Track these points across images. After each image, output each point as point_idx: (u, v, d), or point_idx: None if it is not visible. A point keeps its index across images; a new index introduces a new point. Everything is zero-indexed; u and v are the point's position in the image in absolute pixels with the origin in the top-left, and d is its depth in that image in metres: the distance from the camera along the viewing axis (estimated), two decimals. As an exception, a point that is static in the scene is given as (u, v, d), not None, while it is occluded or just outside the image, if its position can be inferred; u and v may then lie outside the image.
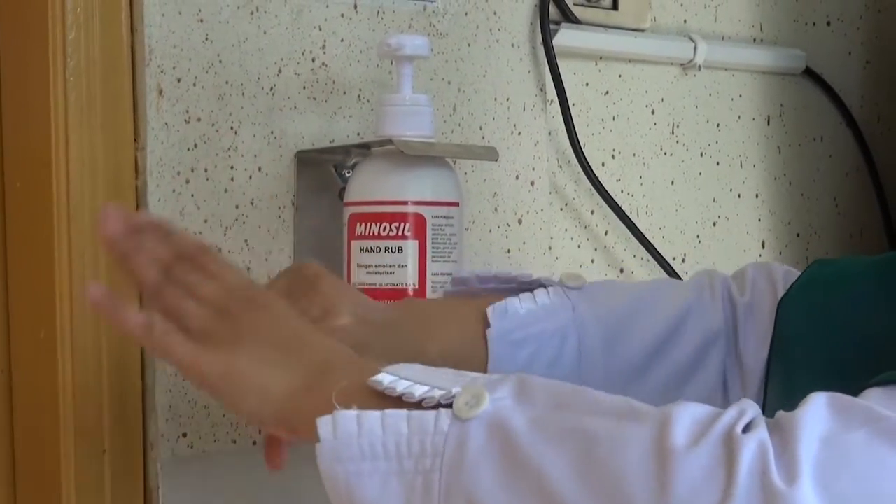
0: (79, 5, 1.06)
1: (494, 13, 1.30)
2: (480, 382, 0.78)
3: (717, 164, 1.54)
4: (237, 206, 1.12)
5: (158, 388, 1.08)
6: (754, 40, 1.58)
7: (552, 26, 1.35)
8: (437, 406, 0.77)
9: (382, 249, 1.10)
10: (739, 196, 1.56)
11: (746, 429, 0.71)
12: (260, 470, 1.13)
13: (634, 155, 1.46)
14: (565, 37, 1.36)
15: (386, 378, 0.79)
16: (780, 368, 0.98)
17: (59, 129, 1.06)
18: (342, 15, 1.19)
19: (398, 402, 0.78)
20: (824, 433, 0.70)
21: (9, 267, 1.09)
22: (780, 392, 0.98)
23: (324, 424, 0.78)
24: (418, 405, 0.77)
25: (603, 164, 1.43)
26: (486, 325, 1.02)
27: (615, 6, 1.43)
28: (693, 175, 1.51)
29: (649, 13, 1.46)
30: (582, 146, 1.38)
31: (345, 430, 0.78)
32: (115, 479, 1.07)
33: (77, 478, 1.06)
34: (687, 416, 0.72)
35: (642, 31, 1.46)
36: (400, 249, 1.10)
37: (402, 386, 0.78)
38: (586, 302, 1.05)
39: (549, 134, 1.36)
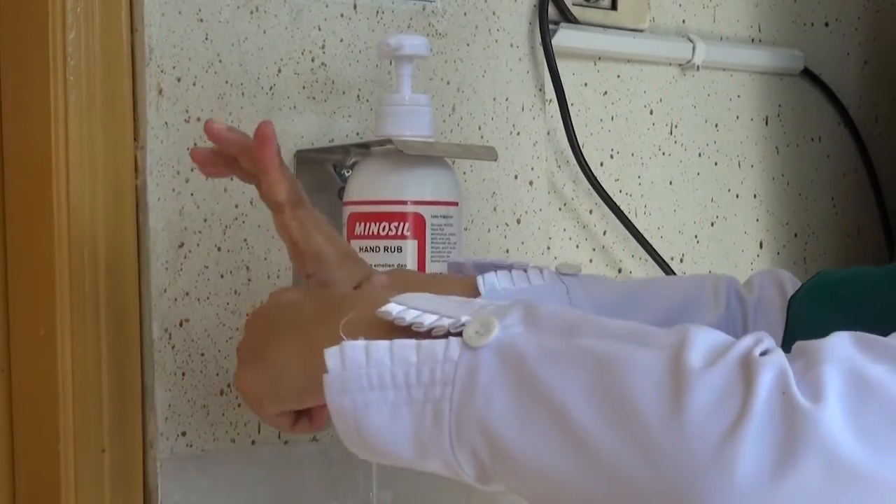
0: (79, 5, 1.06)
1: (493, 13, 1.30)
2: (489, 310, 0.76)
3: (716, 164, 1.54)
4: (236, 206, 1.13)
5: (158, 387, 1.08)
6: (752, 41, 1.58)
7: (551, 26, 1.35)
8: (447, 335, 0.76)
9: (382, 249, 1.10)
10: (737, 196, 1.56)
11: (763, 353, 0.70)
12: (258, 469, 1.14)
13: (633, 155, 1.46)
14: (564, 37, 1.37)
15: (394, 308, 0.78)
16: None
17: (59, 128, 1.06)
18: (342, 15, 1.19)
19: (408, 331, 0.77)
20: (850, 361, 0.69)
21: (9, 265, 1.10)
22: None
23: (331, 356, 0.77)
24: (428, 334, 0.77)
25: (601, 164, 1.43)
26: (476, 294, 1.02)
27: (614, 6, 1.43)
28: (691, 175, 1.52)
29: (648, 13, 1.46)
30: (580, 146, 1.38)
31: (352, 360, 0.77)
32: (114, 478, 1.07)
33: (76, 476, 1.06)
34: (702, 339, 0.71)
35: (641, 31, 1.46)
36: (399, 249, 1.10)
37: (410, 315, 0.77)
38: (582, 288, 1.04)
39: (548, 134, 1.36)
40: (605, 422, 0.70)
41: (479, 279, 1.03)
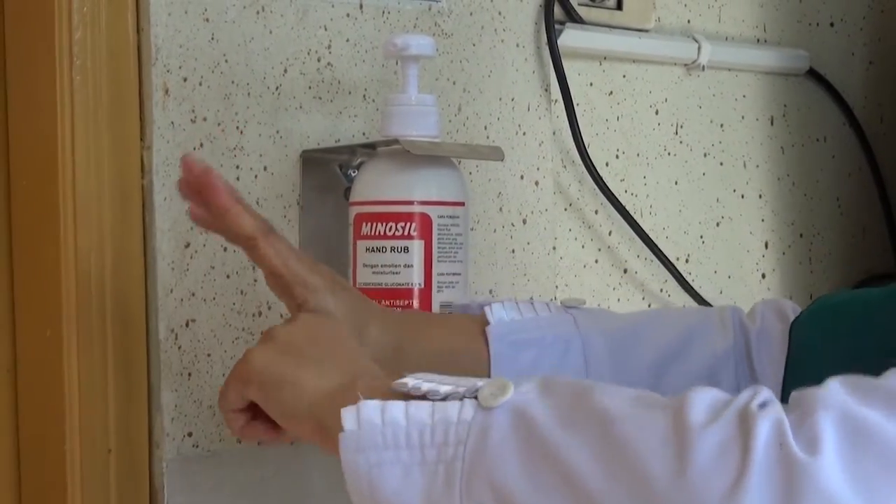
0: (85, 4, 1.06)
1: (499, 13, 1.30)
2: (506, 378, 0.78)
3: (721, 164, 1.54)
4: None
5: (164, 388, 1.08)
6: (758, 41, 1.58)
7: (557, 26, 1.35)
8: (462, 398, 0.78)
9: (388, 249, 1.10)
10: (743, 196, 1.56)
11: (762, 406, 0.72)
12: (265, 469, 1.13)
13: (638, 155, 1.46)
14: (570, 37, 1.37)
15: (410, 381, 0.80)
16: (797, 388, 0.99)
17: (65, 128, 1.06)
18: (348, 15, 1.19)
19: (423, 399, 0.79)
20: (844, 408, 0.70)
21: (15, 265, 1.09)
22: None
23: (348, 414, 0.79)
24: (443, 401, 0.78)
25: (607, 165, 1.43)
26: (485, 323, 1.03)
27: (619, 6, 1.43)
28: (696, 175, 1.51)
29: (653, 13, 1.46)
30: (586, 146, 1.38)
31: (368, 419, 0.78)
32: (120, 479, 1.07)
33: (82, 477, 1.06)
34: (702, 398, 0.73)
35: (646, 31, 1.46)
36: (406, 249, 1.10)
37: (426, 386, 0.79)
38: (588, 318, 1.05)
39: (554, 134, 1.36)
40: (613, 482, 0.72)
41: (487, 309, 1.05)
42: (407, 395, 0.79)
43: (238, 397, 0.91)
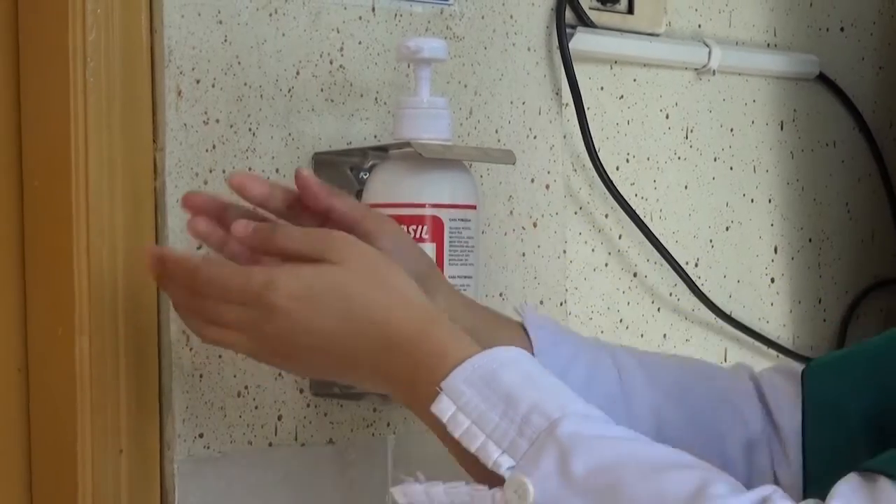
0: (98, 6, 1.06)
1: (511, 17, 1.30)
2: (523, 463, 0.84)
3: (731, 168, 1.54)
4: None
5: (175, 389, 1.08)
6: (768, 45, 1.58)
7: (568, 30, 1.35)
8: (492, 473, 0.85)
9: None
10: (752, 201, 1.56)
11: None
12: (275, 471, 1.14)
13: (648, 159, 1.46)
14: (581, 41, 1.37)
15: (447, 410, 0.87)
16: (815, 433, 1.01)
17: (78, 130, 1.06)
18: (360, 17, 1.19)
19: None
20: None
21: (27, 265, 1.10)
22: (819, 456, 1.01)
23: (397, 493, 0.89)
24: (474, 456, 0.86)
25: (617, 168, 1.43)
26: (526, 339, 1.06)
27: (631, 10, 1.43)
28: (706, 180, 1.52)
29: (664, 18, 1.46)
30: (597, 150, 1.38)
31: (416, 500, 0.88)
32: (131, 479, 1.08)
33: (94, 477, 1.06)
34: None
35: (657, 35, 1.46)
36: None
37: (460, 428, 0.86)
38: (638, 368, 1.09)
39: (565, 138, 1.36)
40: None
41: (519, 306, 1.10)
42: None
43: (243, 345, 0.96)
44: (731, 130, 1.54)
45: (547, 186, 1.32)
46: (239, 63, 1.12)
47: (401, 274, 0.94)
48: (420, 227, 1.09)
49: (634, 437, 0.85)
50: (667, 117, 1.48)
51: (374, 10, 1.20)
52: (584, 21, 1.38)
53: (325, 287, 0.92)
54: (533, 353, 1.02)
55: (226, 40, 1.12)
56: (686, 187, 1.50)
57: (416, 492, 0.88)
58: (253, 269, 0.94)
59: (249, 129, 1.13)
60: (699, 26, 1.51)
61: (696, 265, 1.50)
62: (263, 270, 0.93)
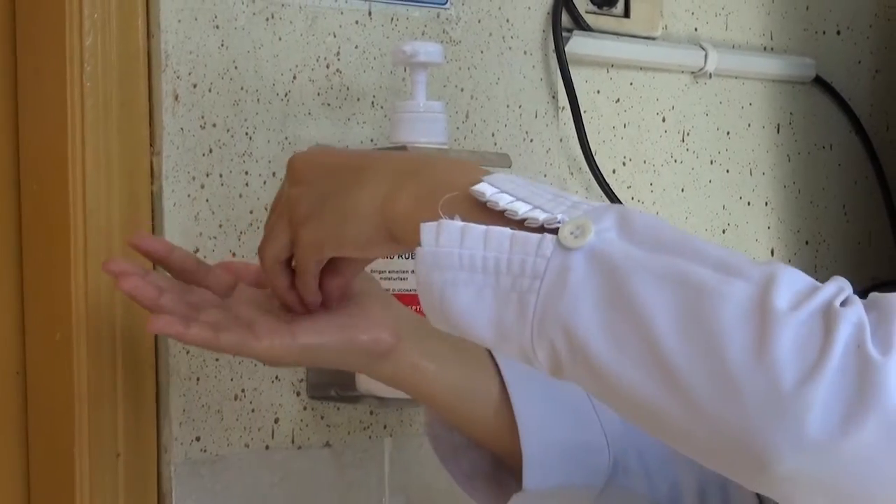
0: (96, 11, 1.07)
1: (507, 21, 1.30)
2: (583, 210, 0.77)
3: (727, 171, 1.54)
4: (251, 212, 1.13)
5: (172, 393, 1.09)
6: (764, 48, 1.58)
7: (564, 34, 1.35)
8: (541, 229, 0.77)
9: (396, 255, 1.10)
10: (749, 204, 1.57)
11: (843, 303, 0.73)
12: (272, 474, 1.14)
13: (645, 162, 1.47)
14: (577, 44, 1.37)
15: (488, 189, 0.79)
16: None
17: (75, 134, 1.06)
18: (356, 22, 1.20)
19: (500, 216, 0.79)
20: None
21: (25, 269, 1.10)
22: None
23: (427, 231, 0.79)
24: (520, 223, 0.78)
25: (614, 172, 1.43)
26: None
27: (627, 14, 1.44)
28: (703, 183, 1.52)
29: (661, 21, 1.47)
30: (593, 153, 1.39)
31: (448, 239, 0.78)
32: (128, 483, 1.08)
33: (91, 481, 1.06)
34: (789, 280, 0.73)
35: (654, 38, 1.46)
36: (413, 255, 1.10)
37: (503, 201, 0.79)
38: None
39: (561, 141, 1.37)
40: (687, 346, 0.72)
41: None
42: (484, 206, 0.79)
43: (284, 234, 0.91)
44: (728, 133, 1.54)
45: (543, 190, 1.33)
46: (236, 67, 1.13)
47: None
48: (416, 230, 1.10)
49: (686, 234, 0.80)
50: (663, 120, 1.48)
51: (370, 14, 1.21)
52: (580, 24, 1.39)
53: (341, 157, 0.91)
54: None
55: (222, 45, 1.12)
56: (683, 190, 1.50)
57: (453, 227, 0.78)
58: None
59: (246, 133, 1.13)
60: (695, 29, 1.51)
61: (693, 268, 1.51)
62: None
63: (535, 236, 0.76)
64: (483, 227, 0.78)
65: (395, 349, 0.96)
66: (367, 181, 0.86)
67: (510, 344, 0.78)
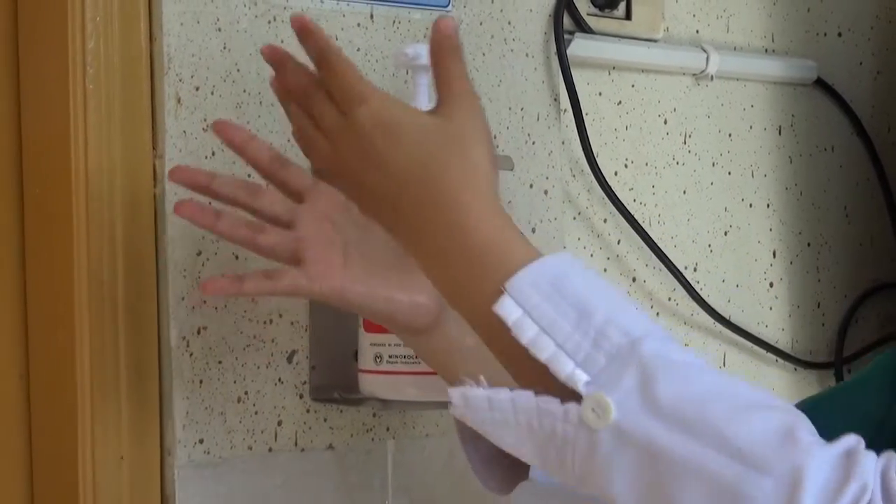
0: (98, 14, 1.07)
1: (509, 23, 1.30)
2: (605, 354, 0.79)
3: (729, 173, 1.54)
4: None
5: (176, 395, 1.09)
6: (766, 51, 1.58)
7: (566, 36, 1.35)
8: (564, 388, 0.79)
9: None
10: (751, 206, 1.57)
11: None
12: (275, 476, 1.14)
13: (647, 164, 1.47)
14: (579, 47, 1.37)
15: (512, 313, 0.81)
16: None
17: (78, 137, 1.06)
18: (358, 24, 1.20)
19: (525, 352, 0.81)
20: None
21: (28, 273, 1.10)
22: None
23: (455, 395, 0.82)
24: (545, 370, 0.80)
25: (616, 174, 1.43)
26: None
27: (629, 16, 1.44)
28: (705, 185, 1.52)
29: (662, 23, 1.47)
30: (595, 155, 1.39)
31: (476, 403, 0.82)
32: (132, 485, 1.08)
33: (95, 483, 1.07)
34: (815, 480, 0.73)
35: (655, 41, 1.46)
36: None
37: (527, 335, 0.80)
38: None
39: (563, 143, 1.37)
40: None
41: None
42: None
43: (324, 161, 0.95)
44: (730, 135, 1.54)
45: (545, 192, 1.33)
46: (238, 70, 1.13)
47: (484, 152, 0.90)
48: (419, 232, 1.09)
49: (715, 368, 0.81)
50: (665, 122, 1.48)
51: (372, 16, 1.21)
52: (582, 27, 1.39)
53: (410, 126, 0.89)
54: None
55: (225, 47, 1.12)
56: (684, 192, 1.50)
57: (478, 397, 0.81)
58: (365, 78, 0.91)
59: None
60: (697, 32, 1.51)
61: (695, 270, 1.51)
62: (369, 84, 0.91)
63: (560, 409, 0.79)
64: (508, 396, 0.80)
65: (438, 320, 1.00)
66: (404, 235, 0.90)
67: (556, 476, 0.82)
